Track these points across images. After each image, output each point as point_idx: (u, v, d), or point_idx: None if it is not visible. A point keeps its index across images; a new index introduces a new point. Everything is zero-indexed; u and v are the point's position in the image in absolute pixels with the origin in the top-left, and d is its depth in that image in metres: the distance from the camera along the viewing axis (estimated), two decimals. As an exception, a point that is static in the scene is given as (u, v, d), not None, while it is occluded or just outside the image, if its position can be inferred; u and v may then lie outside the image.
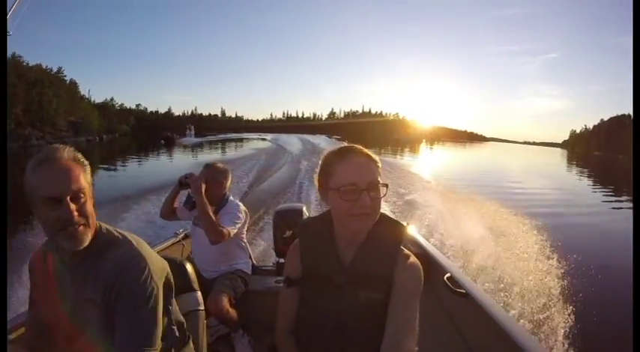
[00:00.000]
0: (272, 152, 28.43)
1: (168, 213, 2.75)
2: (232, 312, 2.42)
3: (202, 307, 1.69)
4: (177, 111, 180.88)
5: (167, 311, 1.27)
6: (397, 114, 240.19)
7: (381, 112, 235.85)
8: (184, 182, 2.57)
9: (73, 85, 79.44)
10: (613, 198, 18.36)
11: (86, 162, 1.17)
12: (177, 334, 1.36)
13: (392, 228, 1.21)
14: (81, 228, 1.12)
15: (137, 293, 1.15)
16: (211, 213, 2.45)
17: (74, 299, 1.19)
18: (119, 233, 1.25)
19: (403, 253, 1.19)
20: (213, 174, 2.62)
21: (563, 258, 6.72)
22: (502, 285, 5.31)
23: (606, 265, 7.00)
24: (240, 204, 2.68)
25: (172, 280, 1.31)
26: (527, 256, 6.68)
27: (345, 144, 1.23)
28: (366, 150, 1.17)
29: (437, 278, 2.26)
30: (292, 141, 42.21)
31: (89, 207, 1.14)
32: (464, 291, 1.98)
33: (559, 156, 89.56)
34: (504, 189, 17.46)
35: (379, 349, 1.08)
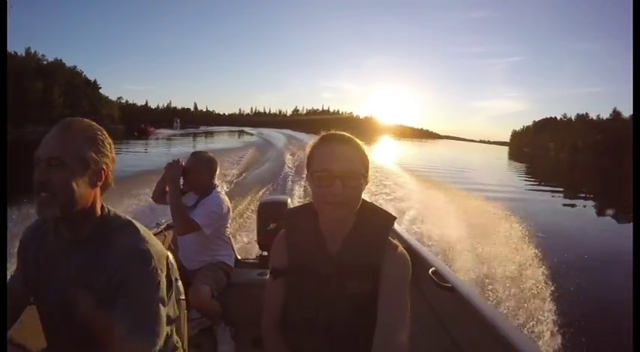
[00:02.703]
0: (256, 144, 27.45)
1: (158, 197, 2.52)
2: (214, 304, 2.21)
3: (183, 297, 1.49)
4: (150, 104, 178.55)
5: (168, 305, 1.09)
6: (351, 112, 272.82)
7: (338, 111, 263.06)
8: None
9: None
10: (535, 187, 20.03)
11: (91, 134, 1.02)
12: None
13: (379, 218, 1.10)
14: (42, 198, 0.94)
15: (143, 286, 0.98)
16: (180, 203, 2.27)
17: (66, 281, 1.02)
18: (125, 219, 1.08)
19: (391, 244, 1.08)
20: (197, 163, 2.39)
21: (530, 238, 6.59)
22: (483, 272, 4.93)
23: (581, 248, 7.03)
24: (225, 198, 2.43)
25: (173, 272, 1.14)
26: (503, 242, 6.41)
27: (333, 131, 1.08)
28: (350, 139, 1.05)
29: (422, 273, 2.07)
30: (272, 134, 41.83)
31: (58, 180, 0.94)
32: (450, 285, 1.82)
33: (502, 153, 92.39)
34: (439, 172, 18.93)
35: (367, 341, 0.98)
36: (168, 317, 1.13)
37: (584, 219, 12.16)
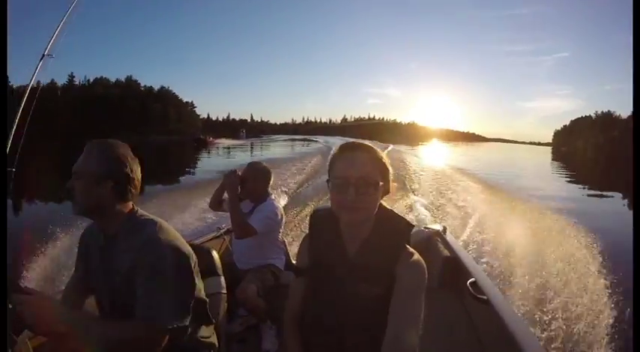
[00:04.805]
0: (321, 151, 26.87)
1: (215, 204, 2.52)
2: (260, 303, 2.14)
3: (224, 291, 1.55)
4: (211, 116, 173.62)
5: (186, 289, 1.15)
6: (395, 119, 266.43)
7: (383, 118, 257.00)
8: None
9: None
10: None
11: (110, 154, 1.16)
12: (199, 309, 1.24)
13: (397, 225, 1.04)
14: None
15: (151, 271, 1.07)
16: (239, 209, 2.23)
17: (102, 268, 1.19)
18: (150, 218, 1.19)
19: (407, 251, 1.01)
20: (253, 173, 2.37)
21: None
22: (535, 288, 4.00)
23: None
24: (279, 205, 2.40)
25: (193, 262, 1.19)
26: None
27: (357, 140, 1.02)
28: (368, 147, 1.01)
29: (461, 283, 1.99)
30: (337, 142, 40.78)
31: (77, 188, 1.12)
32: (485, 298, 1.71)
33: (544, 153, 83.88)
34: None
35: (377, 343, 0.92)
36: (199, 303, 1.23)
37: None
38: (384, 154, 1.04)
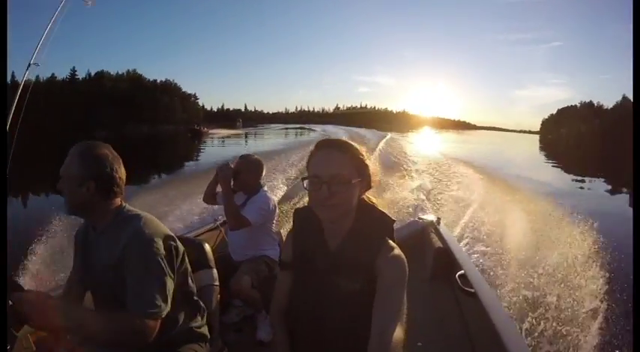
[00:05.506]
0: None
1: (209, 197, 2.47)
2: (254, 293, 2.13)
3: (217, 283, 1.53)
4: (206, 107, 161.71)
5: (172, 279, 1.17)
6: (386, 108, 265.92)
7: (374, 107, 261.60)
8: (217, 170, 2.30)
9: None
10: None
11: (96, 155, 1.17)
12: (189, 300, 1.29)
13: (378, 220, 1.02)
14: None
15: (138, 263, 1.10)
16: (233, 202, 2.20)
17: (93, 262, 1.21)
18: (135, 212, 1.21)
19: (388, 245, 0.99)
20: (246, 165, 2.33)
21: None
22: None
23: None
24: (271, 197, 2.36)
25: (180, 253, 1.22)
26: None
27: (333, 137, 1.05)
28: (342, 144, 0.98)
29: (451, 275, 2.00)
30: (331, 130, 40.77)
31: (63, 190, 1.16)
32: (473, 290, 1.73)
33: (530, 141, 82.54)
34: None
35: (357, 337, 0.92)
36: (190, 294, 1.28)
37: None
38: (363, 150, 1.01)
